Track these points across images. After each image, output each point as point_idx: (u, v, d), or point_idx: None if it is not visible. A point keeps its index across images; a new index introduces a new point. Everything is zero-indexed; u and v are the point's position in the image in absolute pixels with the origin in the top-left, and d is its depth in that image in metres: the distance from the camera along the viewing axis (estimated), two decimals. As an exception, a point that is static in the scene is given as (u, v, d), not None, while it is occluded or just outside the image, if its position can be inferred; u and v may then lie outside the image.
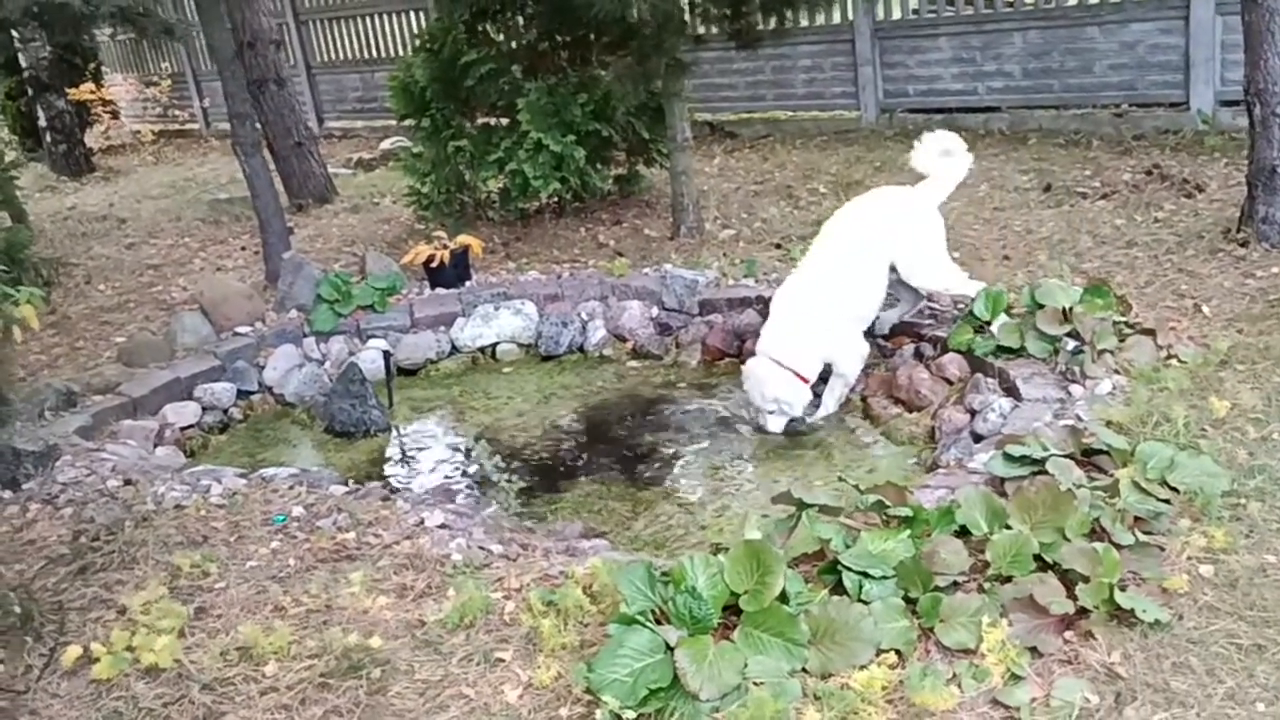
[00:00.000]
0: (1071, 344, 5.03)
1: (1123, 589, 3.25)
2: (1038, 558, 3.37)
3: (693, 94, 9.12)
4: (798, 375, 5.42)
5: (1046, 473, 3.90)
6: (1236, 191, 7.15)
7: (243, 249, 9.37)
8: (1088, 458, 4.10)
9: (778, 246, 7.48)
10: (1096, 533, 3.51)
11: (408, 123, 9.09)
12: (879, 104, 10.79)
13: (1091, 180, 7.96)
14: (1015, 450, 4.06)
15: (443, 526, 4.50)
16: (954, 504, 3.71)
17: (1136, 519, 3.61)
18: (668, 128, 7.89)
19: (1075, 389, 4.83)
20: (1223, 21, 8.63)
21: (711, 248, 7.64)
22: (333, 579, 4.08)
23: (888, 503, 3.74)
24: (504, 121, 8.66)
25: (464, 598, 3.77)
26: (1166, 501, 3.74)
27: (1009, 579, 3.34)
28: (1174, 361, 4.89)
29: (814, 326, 5.46)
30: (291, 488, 4.95)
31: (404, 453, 5.95)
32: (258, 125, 8.07)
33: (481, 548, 4.26)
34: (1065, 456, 4.04)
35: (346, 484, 5.22)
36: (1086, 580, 3.23)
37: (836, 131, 10.85)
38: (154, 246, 9.87)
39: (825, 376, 5.63)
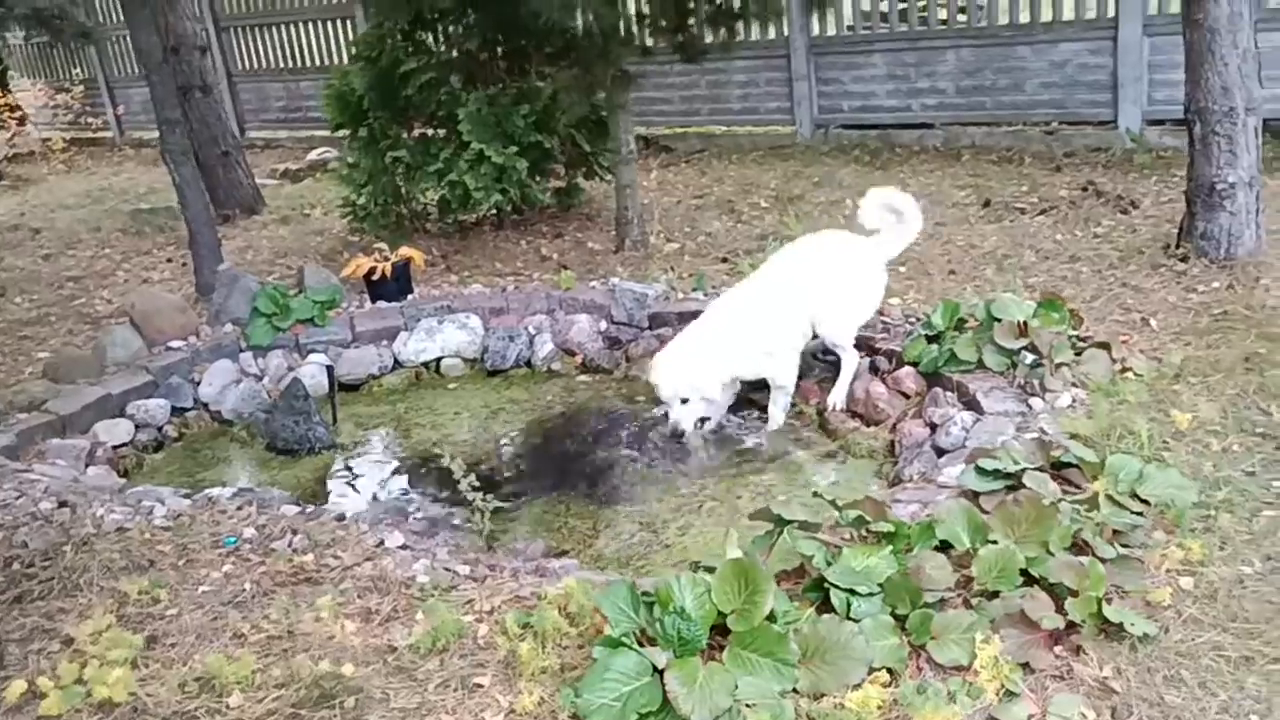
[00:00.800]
0: (1030, 358, 5.08)
1: (1108, 602, 3.26)
2: (1023, 572, 3.36)
3: (629, 107, 9.08)
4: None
5: (1020, 486, 3.91)
6: (1169, 208, 7.36)
7: (168, 261, 9.05)
8: (1058, 470, 4.12)
9: (724, 260, 7.46)
10: (1078, 546, 3.52)
11: (343, 132, 8.88)
12: (814, 120, 10.87)
13: (1029, 196, 8.11)
14: (987, 464, 4.06)
15: (404, 547, 4.35)
16: (934, 518, 3.69)
17: (1115, 532, 3.63)
18: (612, 140, 7.83)
19: (1035, 402, 4.87)
20: (1150, 43, 8.88)
21: (657, 261, 7.60)
22: (293, 603, 3.90)
23: (868, 518, 3.71)
24: (442, 132, 8.51)
25: (435, 621, 3.64)
26: (1139, 514, 3.78)
27: (995, 594, 3.33)
28: (1129, 375, 4.97)
29: (738, 343, 5.46)
30: (240, 508, 4.75)
31: (351, 471, 5.76)
32: (185, 131, 7.77)
33: (447, 569, 4.13)
34: (1036, 469, 4.05)
35: (299, 504, 5.05)
36: (1074, 594, 3.23)
37: (772, 147, 10.90)
38: (73, 258, 9.49)
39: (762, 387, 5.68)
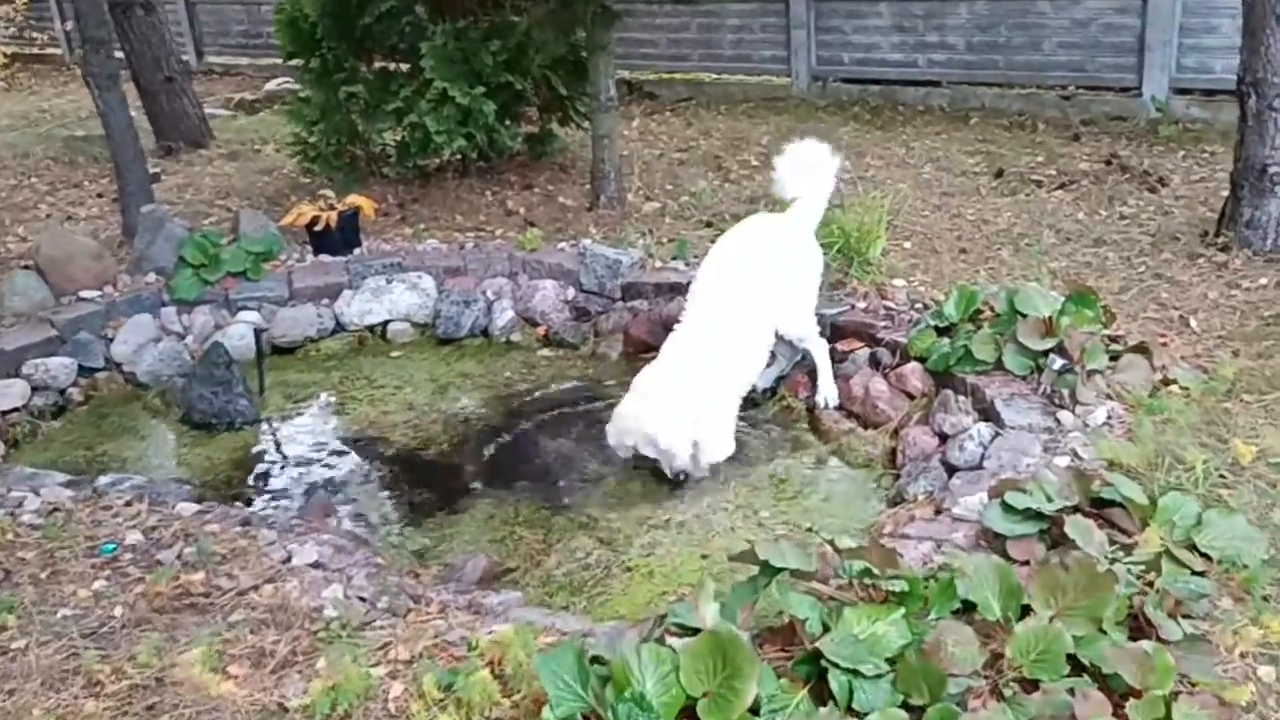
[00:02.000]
0: (1058, 362, 4.39)
1: (1175, 699, 2.60)
2: (1070, 657, 2.69)
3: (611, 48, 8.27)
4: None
5: (1054, 530, 3.25)
6: (1202, 188, 6.68)
7: (99, 196, 8.21)
8: (1098, 509, 3.45)
9: (709, 225, 6.71)
10: (1134, 619, 2.86)
11: (295, 62, 8.02)
12: (811, 71, 10.07)
13: (1046, 168, 7.38)
14: (1016, 500, 3.39)
15: (315, 566, 3.65)
16: (956, 571, 3.01)
17: (1176, 601, 2.96)
18: (590, 85, 7.04)
19: (1065, 416, 4.19)
20: (1182, 3, 8.13)
21: (634, 222, 6.84)
22: (169, 639, 3.21)
23: (875, 570, 3.02)
24: (404, 67, 7.68)
25: (338, 675, 2.95)
26: (1202, 574, 3.12)
27: (1035, 684, 2.66)
28: (1173, 387, 4.29)
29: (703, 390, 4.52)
30: (129, 503, 4.03)
31: (273, 454, 5.04)
32: (116, 54, 6.91)
33: (362, 598, 3.44)
34: (1073, 509, 3.38)
35: (200, 500, 4.33)
36: (1136, 694, 2.56)
37: (765, 98, 10.11)
38: (-7, 186, 8.63)
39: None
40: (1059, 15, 8.73)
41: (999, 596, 2.89)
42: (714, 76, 10.73)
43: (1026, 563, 3.23)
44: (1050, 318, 4.54)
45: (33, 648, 3.18)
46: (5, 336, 5.57)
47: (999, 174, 7.28)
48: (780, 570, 3.03)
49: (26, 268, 6.10)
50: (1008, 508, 3.40)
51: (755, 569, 3.11)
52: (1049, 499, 3.41)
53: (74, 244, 6.15)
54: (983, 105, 9.04)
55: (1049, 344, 4.47)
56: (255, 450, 5.06)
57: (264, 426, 5.28)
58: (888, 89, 9.57)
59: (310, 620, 3.30)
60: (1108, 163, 7.26)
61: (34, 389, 5.42)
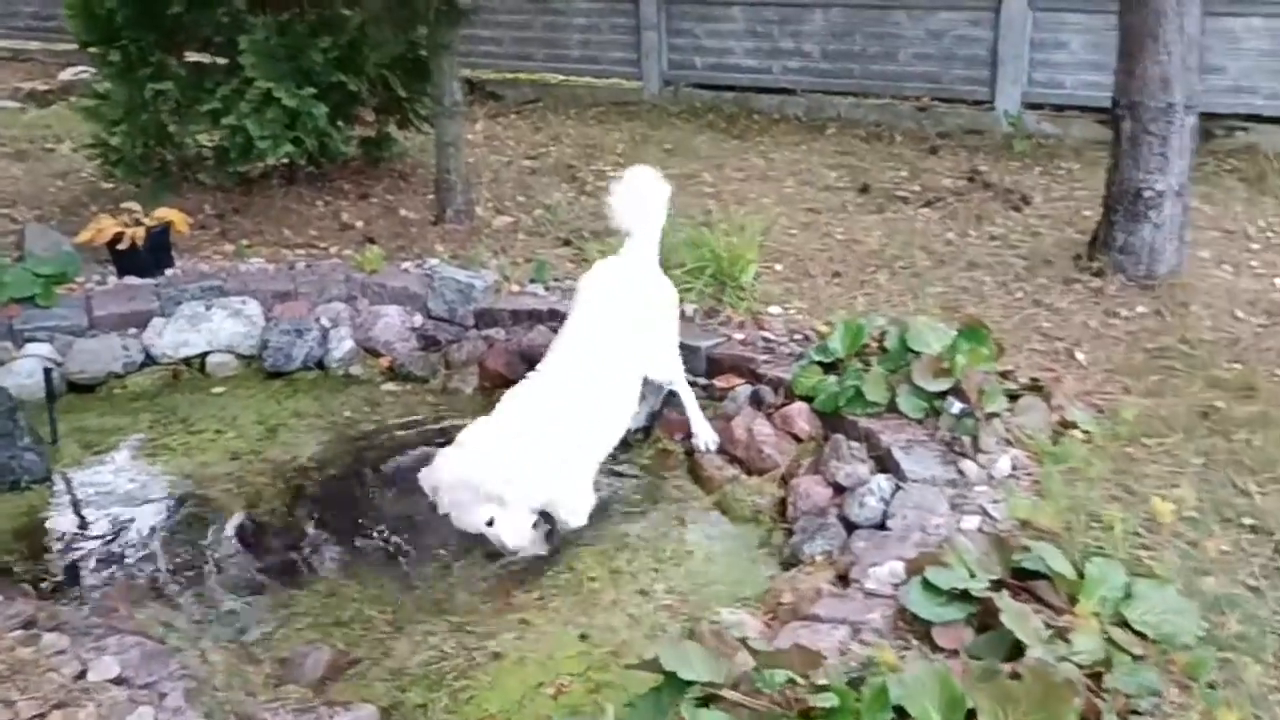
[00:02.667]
0: (956, 405, 4.09)
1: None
2: (1030, 786, 2.34)
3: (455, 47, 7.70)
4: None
5: (978, 611, 2.93)
6: (1064, 207, 6.61)
7: None
8: (1020, 580, 3.14)
9: (566, 243, 6.23)
10: (1090, 729, 2.53)
11: (93, 51, 7.09)
12: (662, 75, 9.70)
13: (909, 183, 7.19)
14: (939, 579, 3.04)
15: (119, 682, 2.99)
16: (885, 675, 2.63)
17: (1125, 696, 2.66)
18: (433, 87, 6.44)
19: (968, 466, 3.89)
20: (1034, 18, 8.12)
21: (485, 239, 6.29)
22: (-78, 800, 2.52)
23: (798, 679, 2.61)
24: (222, 62, 6.89)
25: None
26: (1142, 657, 2.83)
27: (994, 822, 2.29)
28: (1074, 431, 4.06)
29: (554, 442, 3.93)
30: (-125, 602, 3.26)
31: (66, 521, 4.27)
32: None
33: (178, 724, 2.82)
34: (996, 584, 3.06)
35: (-29, 589, 3.59)
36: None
37: (615, 102, 9.67)
38: None
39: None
40: (914, 25, 8.61)
41: (940, 709, 2.51)
42: (561, 78, 10.24)
43: (955, 652, 2.89)
44: (944, 355, 4.26)
45: None
46: None
47: (864, 189, 7.05)
48: (689, 683, 2.58)
49: None
50: (930, 587, 3.05)
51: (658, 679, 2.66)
52: (971, 574, 3.08)
53: None
54: (839, 115, 8.84)
55: (945, 385, 4.18)
56: (43, 516, 4.29)
57: (55, 485, 4.50)
58: (742, 96, 9.28)
59: (111, 763, 2.66)
60: (970, 179, 7.12)
61: None
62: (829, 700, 2.50)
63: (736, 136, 8.52)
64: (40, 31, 12.41)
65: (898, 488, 3.85)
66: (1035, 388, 4.26)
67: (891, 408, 4.25)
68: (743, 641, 2.78)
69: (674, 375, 4.57)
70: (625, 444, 4.69)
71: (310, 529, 4.19)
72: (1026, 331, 4.98)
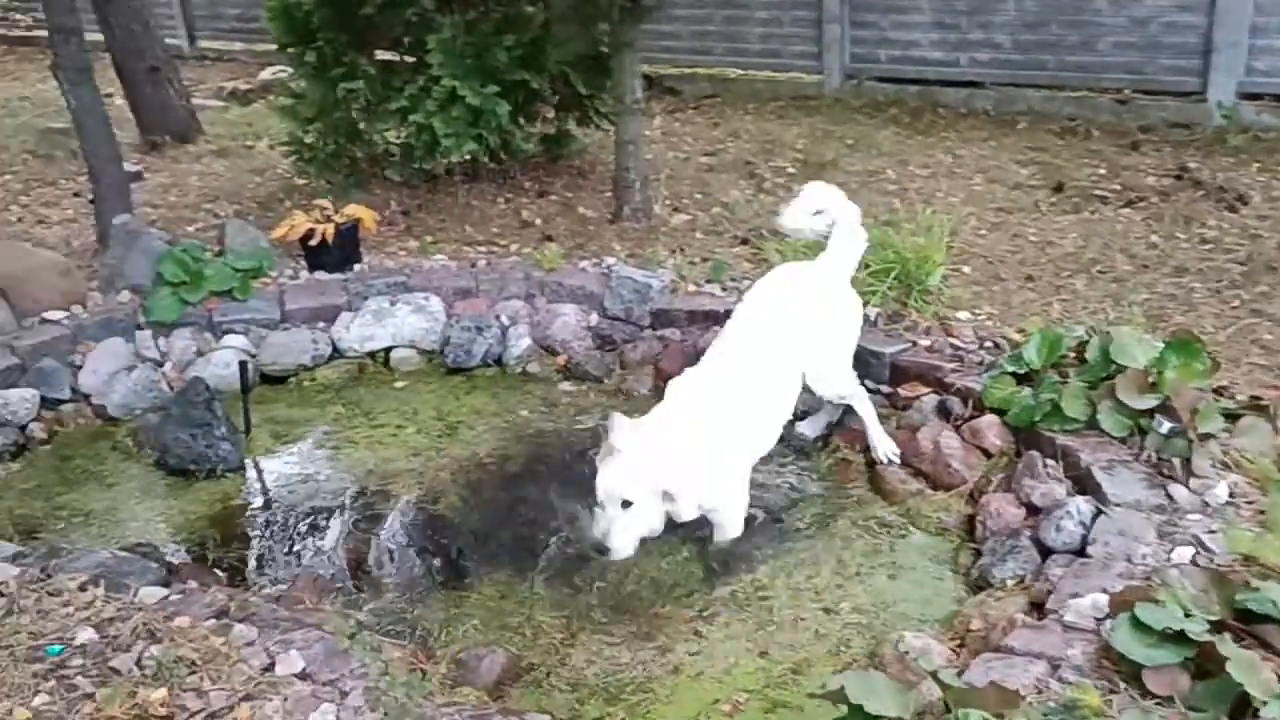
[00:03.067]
0: (1166, 424, 3.79)
1: None
2: None
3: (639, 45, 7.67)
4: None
5: (1195, 655, 2.67)
6: (1288, 207, 6.07)
7: (75, 195, 7.59)
8: (1244, 622, 2.86)
9: (744, 242, 6.11)
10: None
11: (290, 52, 7.37)
12: (844, 69, 9.43)
13: (1108, 181, 6.76)
14: (1150, 617, 2.79)
15: (303, 677, 3.05)
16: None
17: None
18: (615, 85, 6.42)
19: (1178, 491, 3.59)
20: (1254, 2, 7.49)
21: (662, 237, 6.24)
22: (122, 781, 2.61)
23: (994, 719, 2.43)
24: (409, 61, 7.05)
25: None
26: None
27: None
28: (1303, 456, 3.70)
29: (711, 443, 3.80)
30: (84, 587, 3.42)
31: (257, 510, 4.42)
32: (88, 44, 6.25)
33: (359, 722, 2.84)
34: (1216, 625, 2.79)
35: (170, 572, 3.74)
36: None
37: (794, 97, 9.47)
38: (-35, 184, 8.01)
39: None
40: (1116, 12, 8.10)
41: (1160, 766, 2.29)
42: (740, 72, 10.09)
43: (1169, 699, 2.65)
44: (1151, 369, 3.95)
45: (-48, 794, 2.59)
46: (-40, 365, 4.97)
47: (1058, 188, 6.66)
48: (875, 718, 2.44)
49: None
50: (1139, 625, 2.80)
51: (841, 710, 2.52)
52: (1187, 613, 2.82)
53: (37, 259, 5.54)
54: (1030, 109, 8.41)
55: (1152, 401, 3.88)
56: (237, 504, 4.45)
57: (248, 474, 4.67)
58: (927, 89, 8.94)
59: (294, 756, 2.71)
60: (1177, 176, 6.65)
61: (-9, 426, 4.83)
62: (1030, 748, 2.32)
63: (921, 132, 8.21)
64: (243, 32, 13.05)
65: (1099, 511, 3.58)
66: (1257, 407, 3.90)
67: (1091, 424, 3.98)
68: (933, 675, 2.61)
69: (847, 391, 4.38)
70: (803, 452, 4.58)
71: (486, 527, 4.22)
72: (1244, 344, 4.59)
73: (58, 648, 3.11)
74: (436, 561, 4.03)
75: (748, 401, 3.95)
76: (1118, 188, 6.61)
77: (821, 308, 4.28)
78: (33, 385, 5.02)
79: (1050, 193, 6.64)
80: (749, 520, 4.00)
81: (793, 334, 4.15)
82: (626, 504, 3.58)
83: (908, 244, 5.20)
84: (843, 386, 4.36)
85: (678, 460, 3.64)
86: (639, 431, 3.71)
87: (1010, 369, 4.33)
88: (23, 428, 4.92)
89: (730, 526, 3.93)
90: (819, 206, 4.40)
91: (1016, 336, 4.63)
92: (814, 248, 4.73)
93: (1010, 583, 3.57)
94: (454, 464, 4.65)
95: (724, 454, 3.84)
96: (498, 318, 5.62)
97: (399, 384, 5.43)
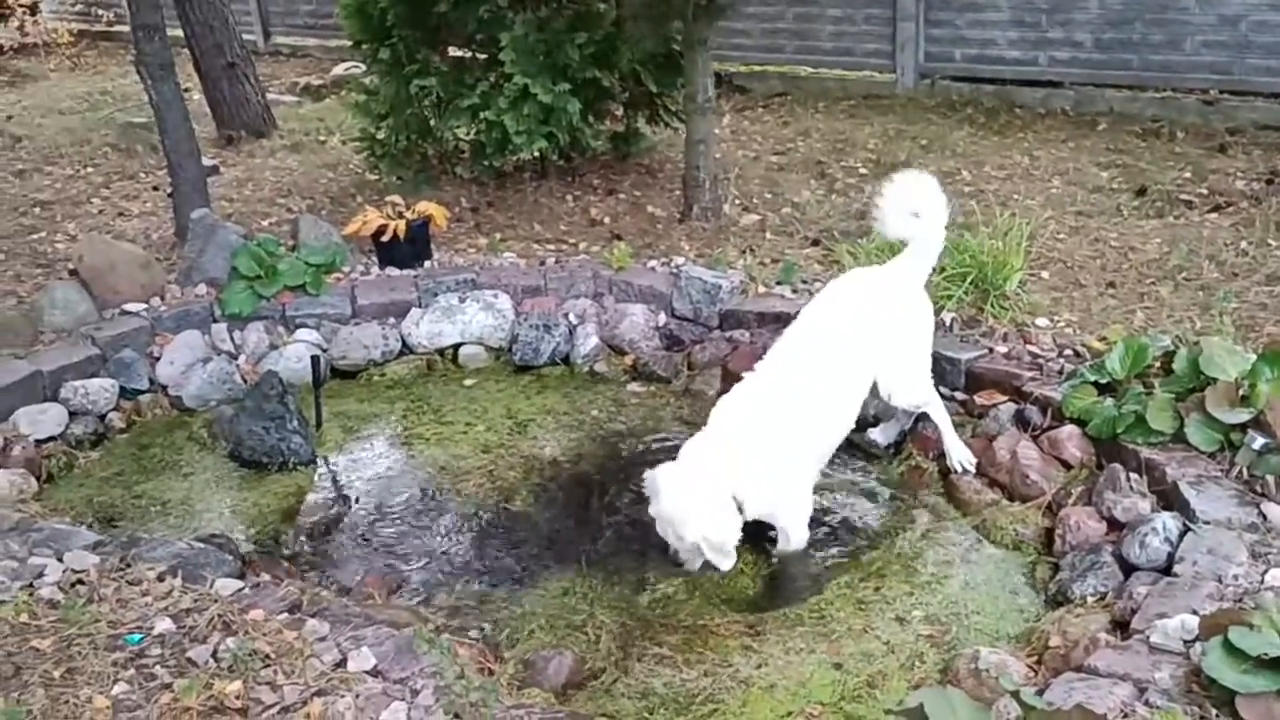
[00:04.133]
0: (1259, 440, 3.66)
1: None
2: None
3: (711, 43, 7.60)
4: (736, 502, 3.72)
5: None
6: (1388, 216, 5.85)
7: (155, 189, 7.73)
8: (1344, 651, 2.74)
9: (815, 243, 6.03)
10: None
11: (364, 48, 7.42)
12: (918, 68, 9.27)
13: (1194, 185, 6.57)
14: (1245, 641, 2.69)
15: (374, 674, 3.06)
16: (1184, 752, 2.34)
17: None
18: (686, 83, 6.36)
19: (1271, 510, 3.47)
20: (1354, -1, 7.25)
21: (732, 237, 6.18)
22: (197, 774, 2.64)
23: (1081, 745, 2.35)
24: (481, 58, 7.07)
25: None
26: None
27: None
28: (1402, 477, 3.55)
29: (773, 448, 3.77)
30: (162, 577, 3.48)
31: (329, 504, 4.45)
32: (170, 41, 6.36)
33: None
34: (1316, 652, 2.68)
35: (245, 563, 3.78)
36: None
37: (866, 96, 9.34)
38: (49, 176, 8.19)
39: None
40: (1204, 11, 7.86)
41: (1257, 800, 2.20)
42: (811, 70, 9.97)
43: (1264, 728, 2.55)
44: (1242, 381, 3.82)
45: (34, 781, 2.63)
46: (44, 355, 5.08)
47: (1141, 191, 6.49)
48: (957, 739, 2.38)
49: (73, 272, 5.61)
50: (1233, 650, 2.71)
51: None
52: (1284, 637, 2.72)
53: (118, 252, 5.63)
54: (1112, 109, 8.21)
55: (1243, 415, 3.75)
56: (309, 499, 4.48)
57: (319, 468, 4.71)
58: (1003, 89, 8.77)
59: (366, 755, 2.71)
60: (1269, 180, 6.44)
61: (72, 414, 4.92)
62: (1119, 775, 2.24)
63: (997, 132, 8.05)
64: (317, 29, 13.19)
65: (1186, 529, 3.47)
66: (1355, 424, 3.75)
67: (1178, 438, 3.86)
68: (1015, 695, 2.54)
69: (922, 399, 4.29)
70: (875, 459, 4.51)
71: (555, 526, 4.22)
72: (1340, 357, 4.41)
73: (137, 636, 3.16)
74: (507, 560, 4.03)
75: (803, 407, 3.86)
76: (1204, 192, 6.42)
77: (893, 313, 4.19)
78: (112, 375, 5.12)
79: (1132, 196, 6.47)
80: (816, 529, 3.95)
81: (859, 340, 4.07)
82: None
83: (984, 248, 5.10)
84: (917, 395, 4.27)
85: (727, 481, 3.64)
86: (681, 469, 3.70)
87: (1092, 378, 4.22)
88: (102, 417, 5.01)
89: (794, 534, 3.88)
90: (915, 207, 4.25)
91: (1097, 345, 4.50)
92: (891, 250, 4.66)
93: (1090, 599, 3.47)
94: (524, 463, 4.65)
95: (777, 462, 3.77)
96: (566, 316, 5.61)
97: (468, 381, 5.44)
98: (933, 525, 4.09)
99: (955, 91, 8.99)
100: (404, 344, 5.60)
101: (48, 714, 2.86)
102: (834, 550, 3.96)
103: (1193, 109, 7.92)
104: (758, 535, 3.89)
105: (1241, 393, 3.78)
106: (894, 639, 3.46)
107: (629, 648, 3.50)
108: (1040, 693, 2.78)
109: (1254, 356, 3.92)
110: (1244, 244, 5.61)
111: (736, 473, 3.67)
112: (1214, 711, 2.64)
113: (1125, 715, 2.68)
